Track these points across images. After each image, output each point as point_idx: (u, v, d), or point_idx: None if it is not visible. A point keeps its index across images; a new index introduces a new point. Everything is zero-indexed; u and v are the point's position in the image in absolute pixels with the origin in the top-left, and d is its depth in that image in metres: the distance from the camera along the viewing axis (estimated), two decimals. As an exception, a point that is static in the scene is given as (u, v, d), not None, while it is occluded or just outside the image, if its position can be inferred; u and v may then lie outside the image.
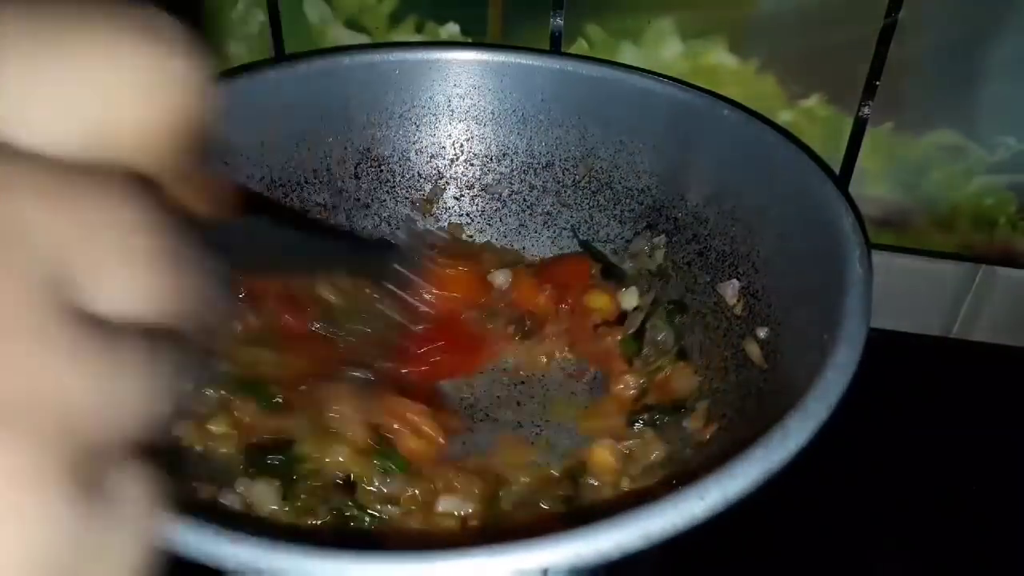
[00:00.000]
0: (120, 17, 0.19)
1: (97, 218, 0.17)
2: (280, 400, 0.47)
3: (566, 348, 0.55)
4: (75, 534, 0.16)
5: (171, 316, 0.19)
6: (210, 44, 0.22)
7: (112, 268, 0.18)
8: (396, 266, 0.47)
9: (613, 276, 0.57)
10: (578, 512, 0.45)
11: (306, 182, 0.57)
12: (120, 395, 0.17)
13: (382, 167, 0.59)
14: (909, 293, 0.62)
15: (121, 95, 0.19)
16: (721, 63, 0.56)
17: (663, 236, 0.55)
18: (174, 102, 0.20)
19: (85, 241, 0.17)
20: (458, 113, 0.58)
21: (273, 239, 0.31)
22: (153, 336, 0.18)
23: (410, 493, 0.45)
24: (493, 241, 0.61)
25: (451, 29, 0.59)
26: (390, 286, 0.46)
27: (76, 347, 0.16)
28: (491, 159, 0.59)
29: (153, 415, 0.18)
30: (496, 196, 0.60)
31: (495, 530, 0.44)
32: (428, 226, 0.59)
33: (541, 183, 0.59)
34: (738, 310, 0.50)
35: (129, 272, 0.18)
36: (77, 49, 0.18)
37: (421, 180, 0.60)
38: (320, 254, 0.41)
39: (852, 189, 0.58)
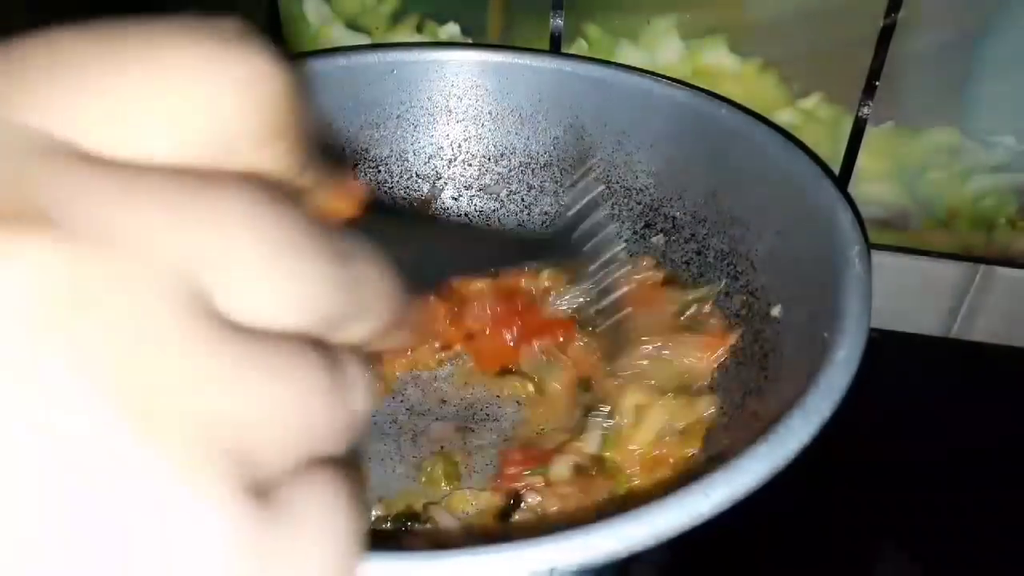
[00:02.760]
0: (193, 24, 0.18)
1: (224, 220, 0.16)
2: None
3: None
4: (257, 551, 0.15)
5: (327, 322, 0.17)
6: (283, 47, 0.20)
7: (249, 273, 0.16)
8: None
9: None
10: (585, 510, 0.45)
11: (304, 182, 0.57)
12: (286, 408, 0.16)
13: (380, 168, 0.59)
14: (909, 293, 0.62)
15: (215, 96, 0.17)
16: (721, 63, 0.56)
17: (661, 235, 0.55)
18: (269, 96, 0.18)
19: (216, 247, 0.16)
20: (456, 114, 0.58)
21: (411, 237, 0.30)
22: (308, 345, 0.17)
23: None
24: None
25: (451, 29, 0.59)
26: None
27: (231, 358, 0.15)
28: (489, 159, 0.59)
29: (326, 429, 0.17)
30: (494, 196, 0.60)
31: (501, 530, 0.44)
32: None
33: (539, 183, 0.59)
34: (736, 308, 0.50)
35: (267, 275, 0.16)
36: (163, 56, 0.17)
37: (419, 181, 0.60)
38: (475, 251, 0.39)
39: (852, 189, 0.59)
